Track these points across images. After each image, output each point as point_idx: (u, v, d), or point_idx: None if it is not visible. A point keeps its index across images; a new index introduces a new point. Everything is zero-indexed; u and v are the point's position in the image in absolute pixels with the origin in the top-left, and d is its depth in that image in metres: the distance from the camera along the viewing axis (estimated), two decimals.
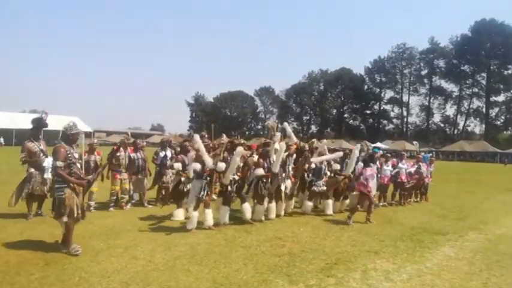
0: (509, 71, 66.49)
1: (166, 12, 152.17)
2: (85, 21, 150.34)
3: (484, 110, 68.98)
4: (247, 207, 7.19)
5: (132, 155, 8.41)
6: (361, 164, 8.17)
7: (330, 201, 8.54)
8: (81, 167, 5.38)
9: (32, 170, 6.80)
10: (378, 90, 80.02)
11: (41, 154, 6.82)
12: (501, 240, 6.72)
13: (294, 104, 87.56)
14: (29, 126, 6.84)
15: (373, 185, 7.86)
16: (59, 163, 4.86)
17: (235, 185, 7.09)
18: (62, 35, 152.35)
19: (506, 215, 9.44)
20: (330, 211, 8.45)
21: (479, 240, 6.64)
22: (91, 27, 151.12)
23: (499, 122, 69.23)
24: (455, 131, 72.38)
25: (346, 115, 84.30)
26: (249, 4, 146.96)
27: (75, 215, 4.97)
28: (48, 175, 6.65)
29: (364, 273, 4.68)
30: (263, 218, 7.41)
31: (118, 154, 8.06)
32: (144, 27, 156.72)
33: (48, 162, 6.78)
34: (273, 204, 7.65)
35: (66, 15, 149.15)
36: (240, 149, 6.89)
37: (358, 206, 7.87)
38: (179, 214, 7.29)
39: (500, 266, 5.20)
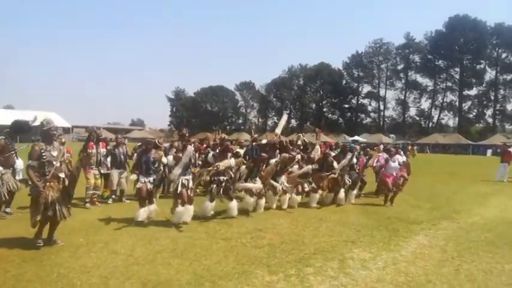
0: (481, 66, 68.54)
1: (146, 6, 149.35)
2: (63, 15, 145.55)
3: (457, 103, 70.97)
4: (234, 206, 7.17)
5: (116, 150, 8.48)
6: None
7: (317, 195, 8.72)
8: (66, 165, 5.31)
9: (0, 168, 6.53)
10: (356, 84, 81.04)
11: (14, 156, 6.63)
12: (472, 228, 6.97)
13: (274, 99, 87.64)
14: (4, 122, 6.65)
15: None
16: (32, 162, 4.85)
17: (222, 184, 7.02)
18: (40, 29, 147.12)
19: (478, 204, 9.74)
20: (314, 204, 8.64)
21: (452, 229, 6.87)
22: (69, 21, 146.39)
23: (471, 115, 71.33)
24: (430, 124, 74.22)
25: (325, 109, 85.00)
26: None
27: (47, 214, 4.84)
28: (20, 176, 6.56)
29: (342, 262, 4.81)
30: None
31: (89, 151, 7.88)
32: (124, 21, 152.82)
33: (20, 163, 6.67)
34: (263, 200, 7.79)
35: (45, 10, 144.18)
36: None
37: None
38: (141, 214, 6.52)
39: (471, 252, 5.40)
